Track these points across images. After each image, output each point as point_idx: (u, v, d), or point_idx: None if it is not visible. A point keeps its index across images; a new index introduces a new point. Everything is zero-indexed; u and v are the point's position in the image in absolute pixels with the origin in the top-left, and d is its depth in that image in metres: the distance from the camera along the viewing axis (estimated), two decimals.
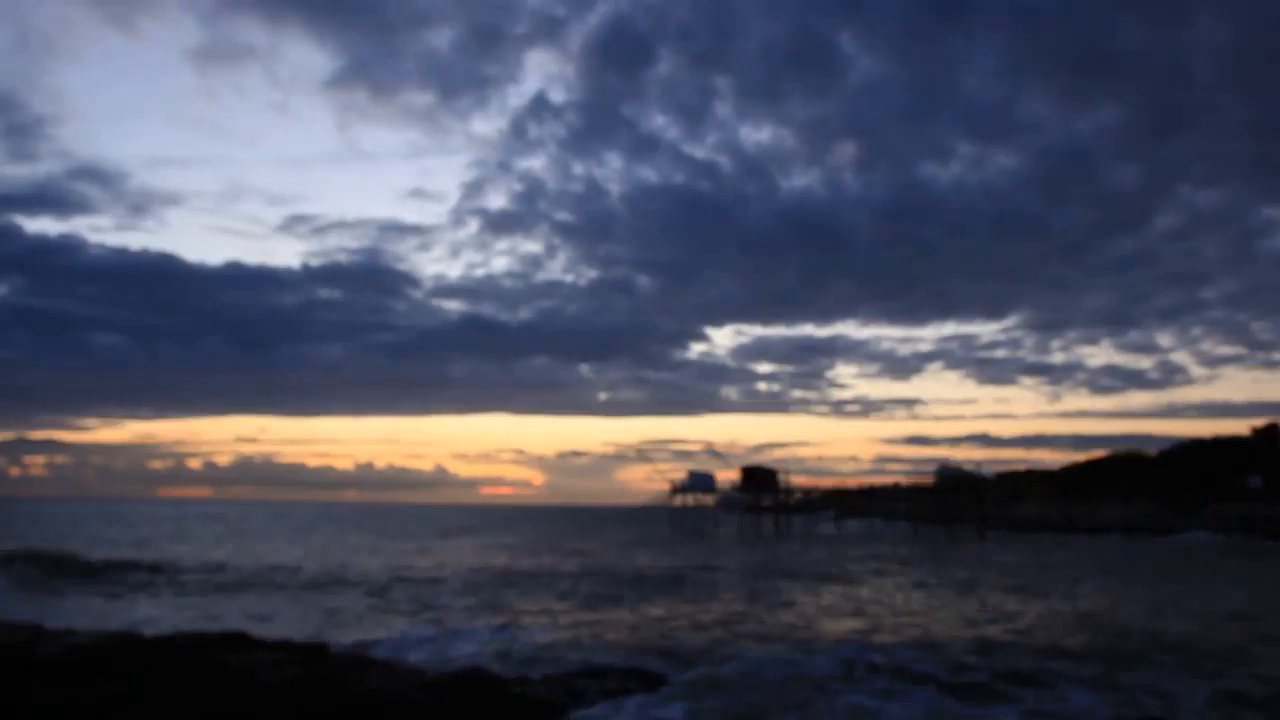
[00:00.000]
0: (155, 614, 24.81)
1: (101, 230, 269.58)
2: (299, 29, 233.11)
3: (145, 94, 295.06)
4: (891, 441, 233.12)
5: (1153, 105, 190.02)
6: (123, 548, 52.55)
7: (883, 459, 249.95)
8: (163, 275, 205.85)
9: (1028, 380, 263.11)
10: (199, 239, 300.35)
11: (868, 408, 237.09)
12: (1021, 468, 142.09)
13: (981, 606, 28.12)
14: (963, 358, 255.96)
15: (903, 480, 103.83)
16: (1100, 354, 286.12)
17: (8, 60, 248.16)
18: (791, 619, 24.82)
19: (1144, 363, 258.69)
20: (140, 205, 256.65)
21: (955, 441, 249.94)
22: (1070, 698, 15.01)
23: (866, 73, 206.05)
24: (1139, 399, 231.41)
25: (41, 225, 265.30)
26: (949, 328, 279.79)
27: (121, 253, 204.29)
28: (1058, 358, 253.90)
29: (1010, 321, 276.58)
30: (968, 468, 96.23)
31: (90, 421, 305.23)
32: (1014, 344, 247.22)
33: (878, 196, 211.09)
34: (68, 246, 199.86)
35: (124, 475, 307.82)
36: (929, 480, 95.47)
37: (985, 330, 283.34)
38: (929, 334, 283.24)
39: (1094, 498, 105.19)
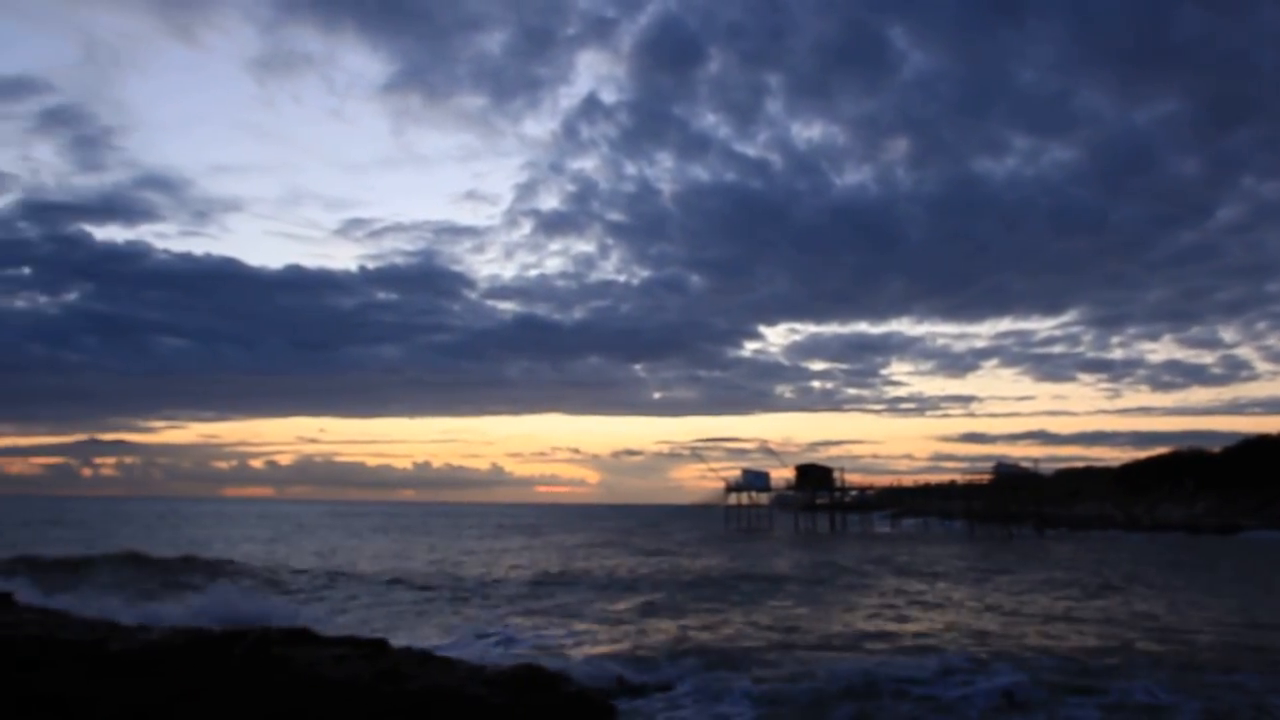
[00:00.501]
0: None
1: (166, 237, 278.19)
2: (354, 36, 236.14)
3: (207, 103, 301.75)
4: (947, 439, 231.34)
5: (1214, 95, 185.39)
6: (219, 548, 53.64)
7: (938, 457, 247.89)
8: (225, 279, 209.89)
9: (1086, 377, 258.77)
10: (259, 244, 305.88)
11: (923, 405, 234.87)
12: (1080, 465, 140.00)
13: (1072, 608, 27.66)
14: (1019, 354, 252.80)
15: (959, 478, 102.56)
16: (1161, 350, 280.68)
17: (76, 75, 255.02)
18: (865, 622, 24.29)
19: (1206, 358, 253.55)
20: (203, 212, 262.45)
21: (1012, 439, 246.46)
22: None
23: (918, 67, 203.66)
24: (1201, 395, 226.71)
25: (109, 233, 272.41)
26: (1005, 324, 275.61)
27: (185, 258, 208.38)
28: (1117, 354, 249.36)
29: (1068, 317, 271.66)
30: (1025, 465, 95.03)
31: (156, 423, 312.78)
32: (1072, 340, 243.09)
33: (931, 192, 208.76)
34: (134, 253, 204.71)
35: (189, 475, 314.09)
36: (986, 478, 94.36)
37: (1042, 326, 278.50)
38: (984, 330, 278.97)
39: (1155, 496, 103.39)
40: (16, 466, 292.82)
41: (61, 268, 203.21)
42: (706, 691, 15.53)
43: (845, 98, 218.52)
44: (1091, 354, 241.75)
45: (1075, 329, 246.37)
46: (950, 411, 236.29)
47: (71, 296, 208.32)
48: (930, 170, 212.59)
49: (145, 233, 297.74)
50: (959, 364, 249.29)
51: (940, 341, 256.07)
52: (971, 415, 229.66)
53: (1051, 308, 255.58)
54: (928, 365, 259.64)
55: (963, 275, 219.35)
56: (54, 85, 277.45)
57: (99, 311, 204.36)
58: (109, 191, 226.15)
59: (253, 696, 12.12)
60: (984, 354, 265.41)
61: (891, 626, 23.61)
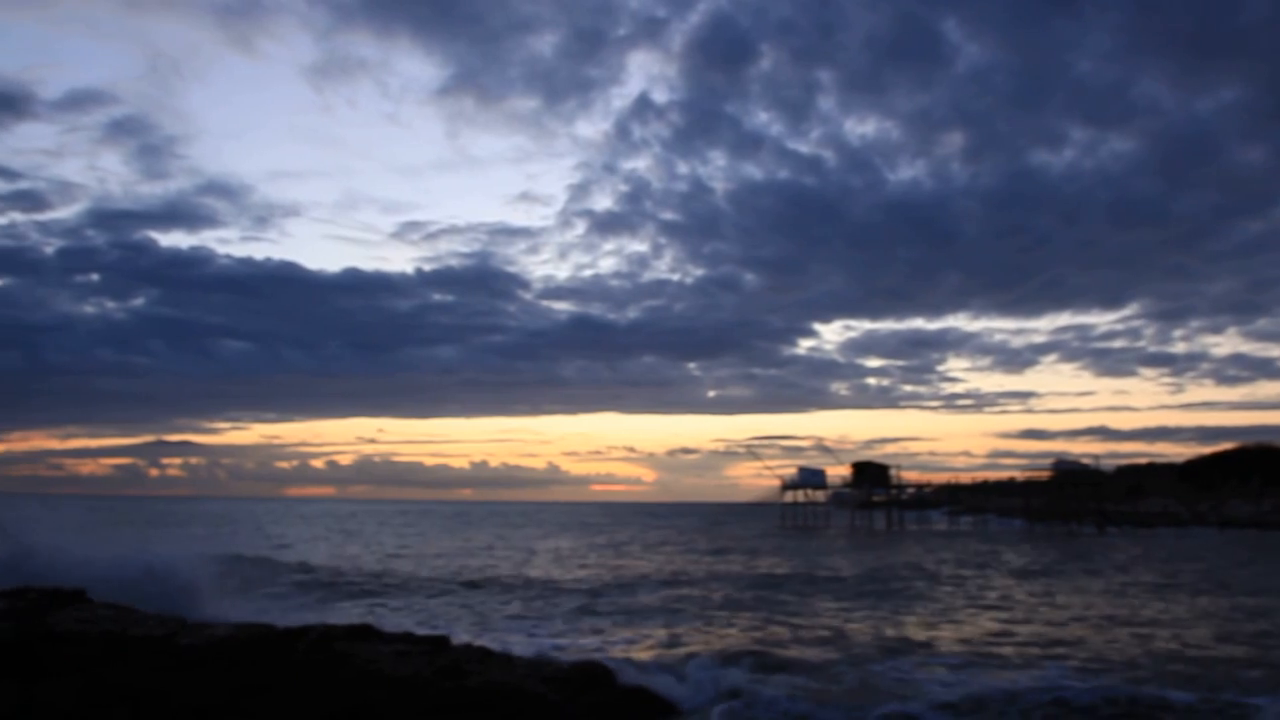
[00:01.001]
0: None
1: (228, 242, 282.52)
2: (408, 41, 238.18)
3: (266, 110, 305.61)
4: (1006, 436, 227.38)
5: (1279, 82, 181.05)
6: (296, 548, 54.59)
7: (997, 453, 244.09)
8: (285, 283, 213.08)
9: (1148, 371, 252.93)
10: (318, 247, 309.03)
11: (980, 402, 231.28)
12: (1143, 461, 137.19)
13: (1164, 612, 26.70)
14: (1079, 349, 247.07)
15: (1018, 475, 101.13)
16: (1226, 343, 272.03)
17: (140, 86, 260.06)
18: (943, 629, 23.23)
19: (1273, 351, 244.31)
20: (263, 217, 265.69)
21: (1072, 435, 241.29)
22: None
23: (973, 60, 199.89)
24: (1269, 389, 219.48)
25: (174, 239, 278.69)
26: (1064, 319, 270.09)
27: (246, 263, 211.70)
28: (1180, 347, 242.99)
29: (1128, 311, 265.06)
30: (1085, 462, 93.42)
31: (220, 424, 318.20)
32: (1133, 334, 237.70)
33: (987, 186, 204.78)
34: (198, 259, 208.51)
35: (252, 475, 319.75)
36: (1045, 475, 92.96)
37: (1102, 321, 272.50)
38: (1043, 325, 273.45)
39: (1222, 492, 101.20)
40: (88, 467, 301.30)
41: (128, 274, 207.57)
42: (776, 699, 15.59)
43: (898, 93, 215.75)
44: (1153, 348, 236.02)
45: (1136, 323, 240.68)
46: (1008, 408, 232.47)
47: (138, 302, 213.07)
48: (985, 164, 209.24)
49: (208, 238, 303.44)
50: (1017, 360, 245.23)
51: (998, 337, 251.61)
52: (1030, 411, 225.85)
53: (1111, 301, 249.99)
54: (985, 361, 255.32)
55: (1020, 270, 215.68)
56: (120, 97, 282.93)
57: (164, 316, 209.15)
58: (173, 199, 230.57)
59: (316, 692, 12.31)
60: (1042, 349, 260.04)
61: (1016, 631, 22.53)
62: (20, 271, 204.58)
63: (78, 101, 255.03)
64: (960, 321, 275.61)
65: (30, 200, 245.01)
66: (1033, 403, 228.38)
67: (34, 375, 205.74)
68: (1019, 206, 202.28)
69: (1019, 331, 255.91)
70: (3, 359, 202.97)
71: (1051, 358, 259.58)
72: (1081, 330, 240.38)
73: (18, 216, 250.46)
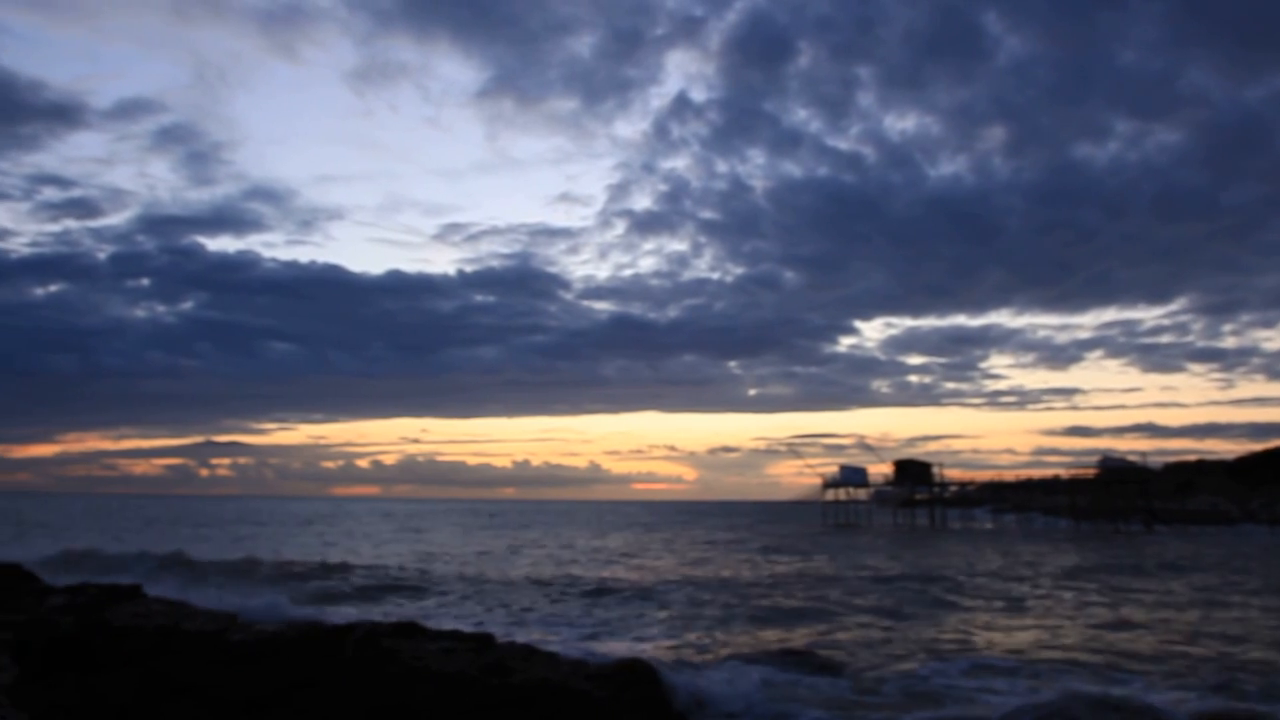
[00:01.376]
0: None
1: (274, 246, 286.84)
2: (447, 44, 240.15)
3: (309, 116, 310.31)
4: (1050, 433, 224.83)
5: None
6: (341, 549, 55.15)
7: (1041, 451, 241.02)
8: (329, 286, 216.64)
9: (1197, 367, 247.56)
10: (361, 250, 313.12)
11: (1024, 399, 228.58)
12: (1192, 458, 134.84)
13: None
14: (1125, 345, 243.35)
15: (1063, 473, 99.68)
16: (1278, 337, 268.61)
17: (188, 94, 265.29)
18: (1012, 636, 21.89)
19: None
20: (308, 221, 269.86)
21: (1118, 432, 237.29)
22: None
23: (1014, 53, 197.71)
24: None
25: (221, 244, 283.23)
26: (1109, 314, 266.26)
27: (292, 266, 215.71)
28: (1229, 342, 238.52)
29: (1176, 306, 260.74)
30: (1132, 459, 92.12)
31: (268, 425, 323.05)
32: (1180, 329, 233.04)
33: (1030, 181, 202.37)
34: (244, 262, 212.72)
35: (299, 475, 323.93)
36: (1091, 472, 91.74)
37: (1149, 316, 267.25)
38: (1088, 321, 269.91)
39: (1274, 489, 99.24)
40: (140, 467, 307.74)
41: (177, 278, 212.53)
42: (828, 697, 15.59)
43: (938, 87, 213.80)
44: (1202, 343, 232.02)
45: (1184, 317, 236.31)
46: (1053, 404, 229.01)
47: (187, 305, 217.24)
48: (1028, 158, 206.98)
49: (254, 242, 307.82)
50: (1061, 356, 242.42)
51: (1041, 333, 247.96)
52: (1075, 408, 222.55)
53: (1158, 296, 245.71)
54: (1029, 358, 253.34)
55: (1064, 265, 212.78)
56: (168, 105, 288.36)
57: (213, 319, 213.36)
58: (220, 204, 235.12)
59: (364, 687, 12.45)
60: (1087, 345, 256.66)
61: (1069, 636, 21.83)
62: (74, 277, 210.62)
63: (127, 110, 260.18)
64: (1003, 318, 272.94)
65: (83, 207, 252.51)
66: (1078, 399, 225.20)
67: (88, 378, 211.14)
68: (1062, 201, 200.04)
69: (1063, 327, 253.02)
70: (58, 362, 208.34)
71: (1097, 354, 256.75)
72: (1127, 326, 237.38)
73: (71, 223, 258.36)
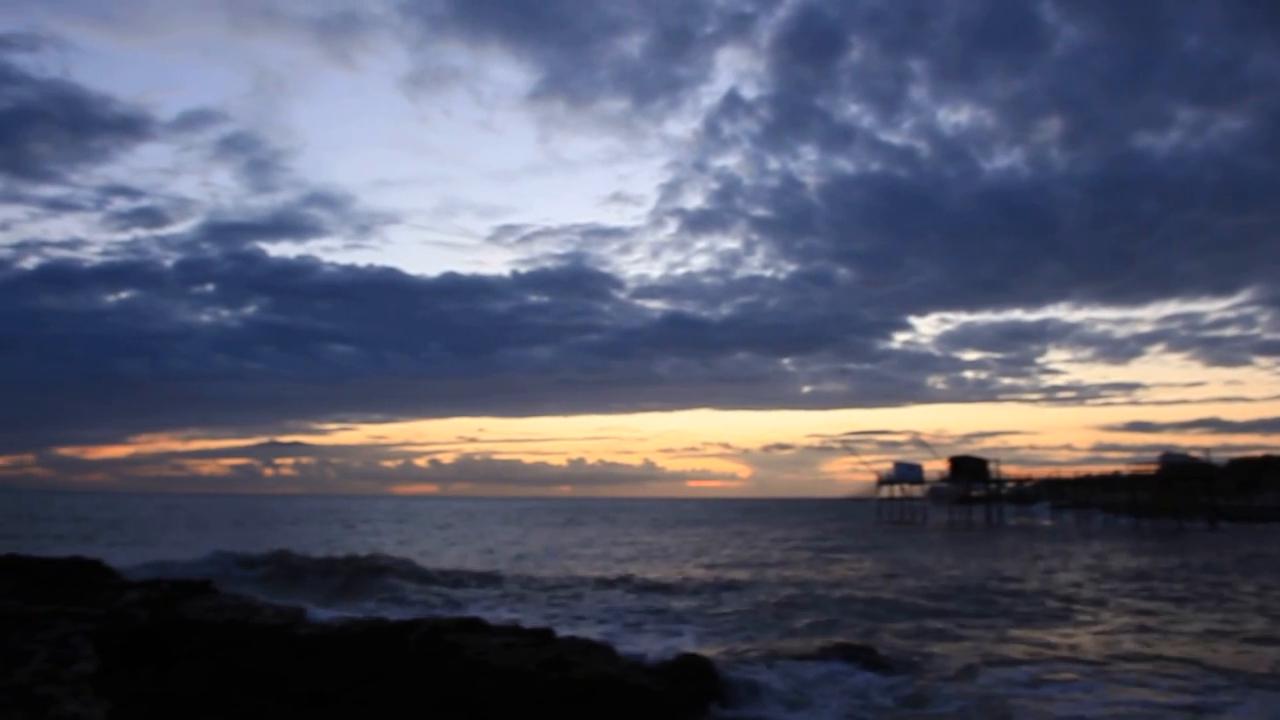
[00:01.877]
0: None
1: (333, 250, 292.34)
2: (498, 48, 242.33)
3: (365, 122, 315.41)
4: (1110, 429, 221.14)
5: None
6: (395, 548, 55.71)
7: (1101, 447, 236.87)
8: (387, 289, 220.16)
9: (1263, 360, 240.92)
10: (417, 253, 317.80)
11: (1083, 394, 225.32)
12: (1258, 454, 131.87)
13: None
14: (1187, 338, 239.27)
15: (1123, 469, 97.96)
16: None
17: (248, 104, 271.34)
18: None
19: None
20: (365, 225, 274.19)
21: (1181, 427, 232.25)
22: None
23: (1071, 42, 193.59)
24: None
25: (282, 249, 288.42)
26: (1170, 307, 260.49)
27: (350, 270, 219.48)
28: None
29: (1241, 298, 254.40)
30: (1195, 455, 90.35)
31: (329, 425, 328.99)
32: (1246, 321, 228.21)
33: (1088, 172, 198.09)
34: (304, 267, 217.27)
35: (360, 474, 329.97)
36: (1152, 468, 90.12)
37: (1212, 308, 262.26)
38: (1148, 314, 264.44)
39: None
40: (208, 467, 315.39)
41: (240, 283, 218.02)
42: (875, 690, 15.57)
43: (992, 79, 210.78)
44: (1269, 335, 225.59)
45: (1250, 309, 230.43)
46: (1112, 400, 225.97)
47: (250, 310, 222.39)
48: (1086, 149, 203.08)
49: (314, 247, 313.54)
50: (1121, 350, 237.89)
51: (1100, 327, 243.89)
52: (1136, 403, 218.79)
53: (1223, 288, 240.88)
54: (1087, 352, 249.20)
55: (1124, 257, 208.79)
56: (229, 115, 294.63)
57: (275, 323, 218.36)
58: (280, 210, 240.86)
59: (426, 681, 12.69)
60: (1148, 339, 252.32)
61: (1149, 642, 21.04)
62: (143, 284, 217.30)
63: (191, 122, 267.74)
64: (1061, 312, 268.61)
65: (151, 217, 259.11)
66: (1138, 394, 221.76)
67: (157, 381, 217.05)
68: (1122, 192, 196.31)
69: (1123, 321, 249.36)
70: (129, 367, 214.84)
71: (1158, 347, 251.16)
72: (1190, 319, 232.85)
73: (140, 232, 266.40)
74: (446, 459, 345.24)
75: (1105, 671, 16.81)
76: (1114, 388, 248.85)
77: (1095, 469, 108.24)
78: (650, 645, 18.81)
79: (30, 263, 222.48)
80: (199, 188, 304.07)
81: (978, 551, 50.84)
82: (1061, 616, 24.66)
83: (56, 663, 9.64)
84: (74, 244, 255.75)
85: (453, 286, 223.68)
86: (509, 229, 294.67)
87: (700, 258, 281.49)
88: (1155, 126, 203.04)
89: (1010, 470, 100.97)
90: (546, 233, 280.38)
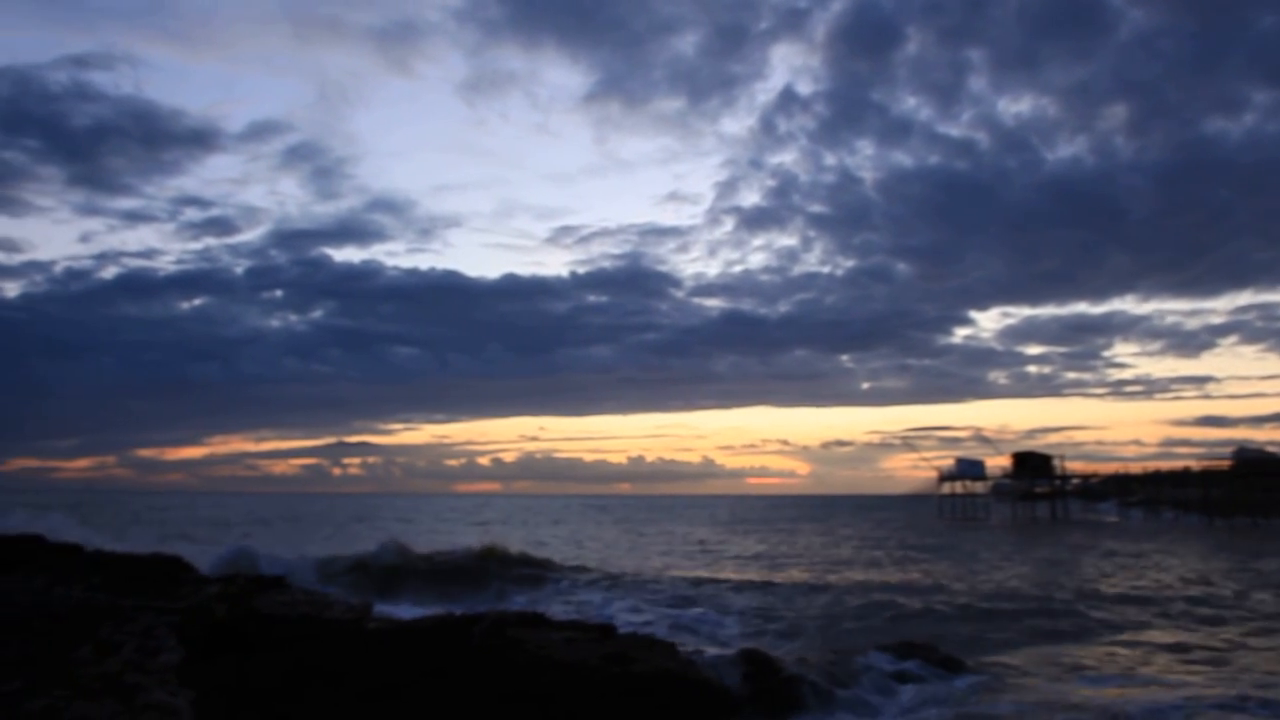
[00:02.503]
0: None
1: (395, 255, 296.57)
2: (553, 51, 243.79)
3: (424, 128, 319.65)
4: (1180, 423, 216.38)
5: None
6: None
7: (1170, 442, 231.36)
8: (448, 291, 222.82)
9: None
10: (477, 256, 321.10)
11: (1151, 388, 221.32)
12: None
13: None
14: (1263, 330, 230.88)
15: (1194, 464, 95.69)
16: None
17: (312, 113, 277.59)
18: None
19: None
20: (427, 229, 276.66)
21: (1256, 421, 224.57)
22: None
23: (1137, 25, 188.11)
24: None
25: (347, 254, 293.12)
26: (1244, 297, 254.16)
27: (413, 273, 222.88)
28: None
29: None
30: (1271, 450, 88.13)
31: (394, 426, 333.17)
32: None
33: (1156, 160, 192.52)
34: (368, 271, 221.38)
35: (424, 473, 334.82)
36: (1225, 464, 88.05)
37: None
38: (1221, 305, 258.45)
39: None
40: (279, 467, 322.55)
41: (308, 288, 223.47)
42: (935, 691, 15.59)
43: (1055, 66, 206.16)
44: None
45: None
46: (1183, 393, 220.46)
47: (317, 314, 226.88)
48: (1154, 136, 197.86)
49: (377, 252, 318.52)
50: (1191, 342, 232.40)
51: (1170, 319, 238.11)
52: (1207, 397, 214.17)
53: None
54: (1155, 345, 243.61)
55: (1194, 247, 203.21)
56: (295, 125, 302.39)
57: (341, 326, 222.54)
58: (344, 216, 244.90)
59: (490, 675, 12.99)
60: (1221, 331, 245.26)
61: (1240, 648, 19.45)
62: (216, 291, 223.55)
63: (258, 132, 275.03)
64: (1128, 304, 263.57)
65: (221, 226, 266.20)
66: (1210, 388, 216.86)
67: (230, 385, 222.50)
68: (1192, 179, 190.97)
69: (1194, 313, 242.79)
70: (203, 371, 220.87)
71: (1231, 339, 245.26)
72: (1266, 309, 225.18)
73: (211, 241, 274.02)
74: (508, 457, 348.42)
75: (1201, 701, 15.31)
76: (1184, 381, 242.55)
77: (1165, 465, 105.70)
78: (713, 639, 19.04)
79: (109, 272, 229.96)
80: (266, 196, 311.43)
81: (1050, 551, 49.73)
82: (1149, 621, 23.51)
83: (143, 653, 10.16)
84: (149, 253, 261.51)
85: (512, 288, 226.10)
86: (567, 230, 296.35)
87: (757, 255, 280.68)
88: (1228, 110, 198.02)
89: (1076, 466, 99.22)
90: (604, 233, 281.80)
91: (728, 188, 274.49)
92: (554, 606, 24.05)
